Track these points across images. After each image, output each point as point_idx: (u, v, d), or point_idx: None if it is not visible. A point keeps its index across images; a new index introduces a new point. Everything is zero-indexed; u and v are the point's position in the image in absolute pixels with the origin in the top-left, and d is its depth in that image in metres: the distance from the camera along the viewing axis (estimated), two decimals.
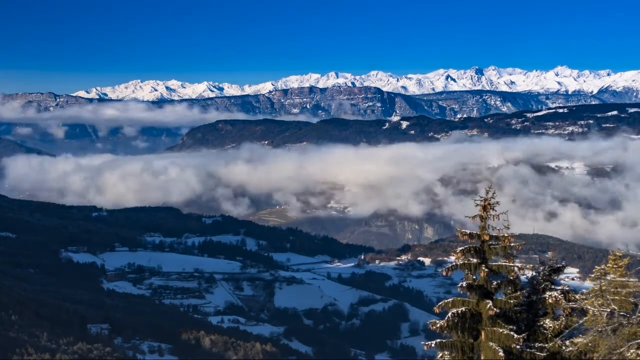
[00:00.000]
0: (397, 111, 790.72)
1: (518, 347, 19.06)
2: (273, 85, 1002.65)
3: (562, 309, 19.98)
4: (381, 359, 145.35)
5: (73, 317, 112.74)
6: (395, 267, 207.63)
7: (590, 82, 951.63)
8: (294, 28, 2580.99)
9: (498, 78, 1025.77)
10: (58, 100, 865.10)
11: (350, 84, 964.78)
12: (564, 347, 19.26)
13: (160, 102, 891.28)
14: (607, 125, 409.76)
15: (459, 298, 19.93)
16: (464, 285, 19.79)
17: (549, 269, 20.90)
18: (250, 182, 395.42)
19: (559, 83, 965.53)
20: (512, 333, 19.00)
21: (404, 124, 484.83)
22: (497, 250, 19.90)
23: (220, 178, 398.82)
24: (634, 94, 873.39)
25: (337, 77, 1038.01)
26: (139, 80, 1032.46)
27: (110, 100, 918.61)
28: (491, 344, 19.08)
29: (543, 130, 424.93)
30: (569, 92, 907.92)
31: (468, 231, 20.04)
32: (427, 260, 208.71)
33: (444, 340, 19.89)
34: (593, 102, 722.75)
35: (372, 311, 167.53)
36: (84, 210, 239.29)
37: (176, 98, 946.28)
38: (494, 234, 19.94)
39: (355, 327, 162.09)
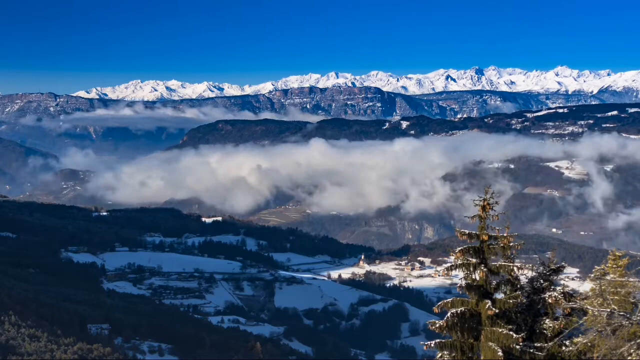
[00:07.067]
0: (397, 111, 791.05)
1: (518, 347, 19.04)
2: (273, 85, 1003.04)
3: (562, 309, 19.95)
4: (381, 359, 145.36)
5: (73, 317, 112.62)
6: (395, 267, 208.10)
7: (590, 82, 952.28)
8: (294, 28, 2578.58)
9: (498, 78, 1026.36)
10: (58, 100, 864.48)
11: (350, 84, 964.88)
12: (563, 347, 19.25)
13: (160, 102, 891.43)
14: (607, 125, 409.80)
15: (458, 298, 19.90)
16: (463, 285, 19.78)
17: (548, 269, 20.87)
18: (250, 182, 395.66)
19: (559, 83, 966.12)
20: (511, 333, 18.96)
21: (404, 124, 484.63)
22: (496, 250, 19.90)
23: (221, 178, 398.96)
24: (634, 94, 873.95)
25: (337, 77, 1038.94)
26: (139, 80, 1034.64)
27: (111, 100, 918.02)
28: (490, 343, 19.05)
29: (543, 130, 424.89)
30: (569, 92, 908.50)
31: (467, 231, 20.02)
32: (427, 260, 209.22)
33: (443, 340, 19.88)
34: (593, 102, 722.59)
35: (372, 311, 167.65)
36: (84, 210, 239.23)
37: (176, 98, 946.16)
38: (493, 234, 19.94)
39: (355, 327, 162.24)
